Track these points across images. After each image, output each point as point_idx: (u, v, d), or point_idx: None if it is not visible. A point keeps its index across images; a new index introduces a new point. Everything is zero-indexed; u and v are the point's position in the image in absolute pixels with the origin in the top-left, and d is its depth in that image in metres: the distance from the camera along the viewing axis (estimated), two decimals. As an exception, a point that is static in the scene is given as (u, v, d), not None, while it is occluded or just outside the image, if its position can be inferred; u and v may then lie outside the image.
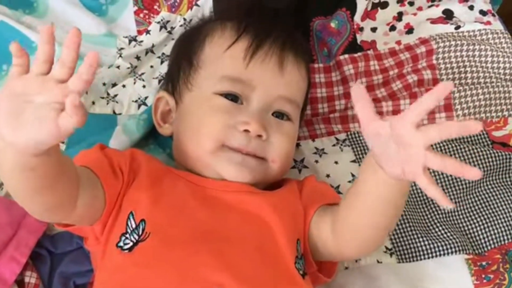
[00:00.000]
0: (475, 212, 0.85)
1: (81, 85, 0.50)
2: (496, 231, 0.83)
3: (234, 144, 0.71)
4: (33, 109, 0.51)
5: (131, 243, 0.65)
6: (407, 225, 0.81)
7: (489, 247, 0.82)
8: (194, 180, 0.72)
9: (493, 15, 1.03)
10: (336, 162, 0.88)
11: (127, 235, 0.65)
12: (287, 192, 0.73)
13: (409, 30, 1.02)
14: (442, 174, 0.86)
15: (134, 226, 0.65)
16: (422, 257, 0.79)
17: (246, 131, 0.71)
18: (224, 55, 0.75)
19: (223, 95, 0.73)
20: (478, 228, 0.84)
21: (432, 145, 0.89)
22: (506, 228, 0.83)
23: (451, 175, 0.86)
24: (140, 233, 0.65)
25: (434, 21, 1.02)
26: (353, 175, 0.86)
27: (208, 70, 0.76)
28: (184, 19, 0.96)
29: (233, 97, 0.73)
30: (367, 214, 0.62)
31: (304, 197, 0.73)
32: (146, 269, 0.63)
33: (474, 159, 0.88)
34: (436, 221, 0.83)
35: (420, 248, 0.80)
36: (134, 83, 0.92)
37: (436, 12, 1.03)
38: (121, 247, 0.65)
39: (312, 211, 0.70)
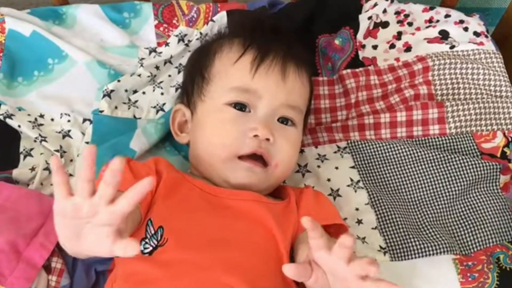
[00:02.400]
0: (463, 217, 0.89)
1: (129, 208, 0.53)
2: (482, 234, 0.87)
3: (247, 151, 0.76)
4: (90, 229, 0.55)
5: (151, 248, 0.69)
6: (400, 226, 0.86)
7: (475, 249, 0.86)
8: (207, 189, 0.76)
9: (486, 36, 1.08)
10: (336, 168, 0.92)
11: (147, 240, 0.70)
12: (287, 205, 0.78)
13: (408, 48, 1.06)
14: (434, 180, 0.91)
15: (152, 232, 0.70)
16: (414, 256, 0.83)
17: (256, 136, 0.76)
18: (232, 68, 0.81)
19: (232, 105, 0.79)
20: (466, 231, 0.88)
21: (428, 156, 0.91)
22: (492, 232, 0.87)
23: (442, 182, 0.92)
24: (159, 238, 0.70)
25: (430, 41, 1.06)
26: (351, 180, 0.91)
27: (218, 82, 0.81)
28: (200, 33, 1.02)
29: (241, 106, 0.79)
30: None
31: (300, 213, 0.77)
32: (163, 270, 0.67)
33: (465, 168, 0.92)
34: (427, 223, 0.88)
35: (411, 248, 0.84)
36: (153, 90, 0.98)
37: (433, 32, 1.07)
38: (141, 251, 0.69)
39: (300, 232, 0.74)
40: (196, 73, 0.85)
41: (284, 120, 0.81)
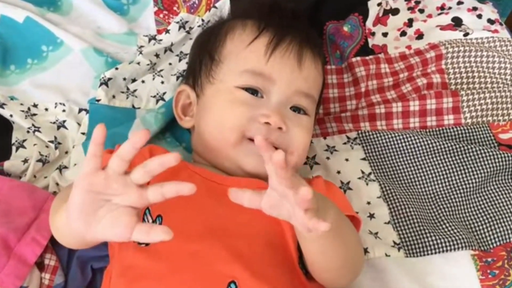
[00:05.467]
0: (481, 211, 0.86)
1: (159, 199, 0.52)
2: (501, 229, 0.83)
3: (255, 134, 0.71)
4: (108, 208, 0.53)
5: None
6: (415, 220, 0.82)
7: (494, 245, 0.82)
8: (209, 177, 0.73)
9: (501, 24, 1.05)
10: (346, 159, 0.89)
11: None
12: None
13: (419, 35, 1.03)
14: (450, 172, 0.88)
15: (150, 221, 0.67)
16: (429, 252, 0.80)
17: (267, 123, 0.72)
18: (246, 51, 0.77)
19: (244, 88, 0.75)
20: (484, 226, 0.84)
21: (443, 147, 0.87)
22: (511, 226, 0.84)
23: (458, 174, 0.88)
24: None
25: (443, 28, 1.03)
26: (362, 172, 0.87)
27: (229, 65, 0.77)
28: (202, 20, 0.99)
29: (253, 91, 0.75)
30: (311, 262, 0.66)
31: None
32: (162, 262, 0.64)
33: (482, 159, 0.88)
34: (443, 217, 0.84)
35: (427, 243, 0.80)
36: (153, 79, 0.93)
37: (446, 19, 1.04)
38: (137, 241, 0.65)
39: None
40: (204, 54, 0.81)
41: (296, 109, 0.77)
